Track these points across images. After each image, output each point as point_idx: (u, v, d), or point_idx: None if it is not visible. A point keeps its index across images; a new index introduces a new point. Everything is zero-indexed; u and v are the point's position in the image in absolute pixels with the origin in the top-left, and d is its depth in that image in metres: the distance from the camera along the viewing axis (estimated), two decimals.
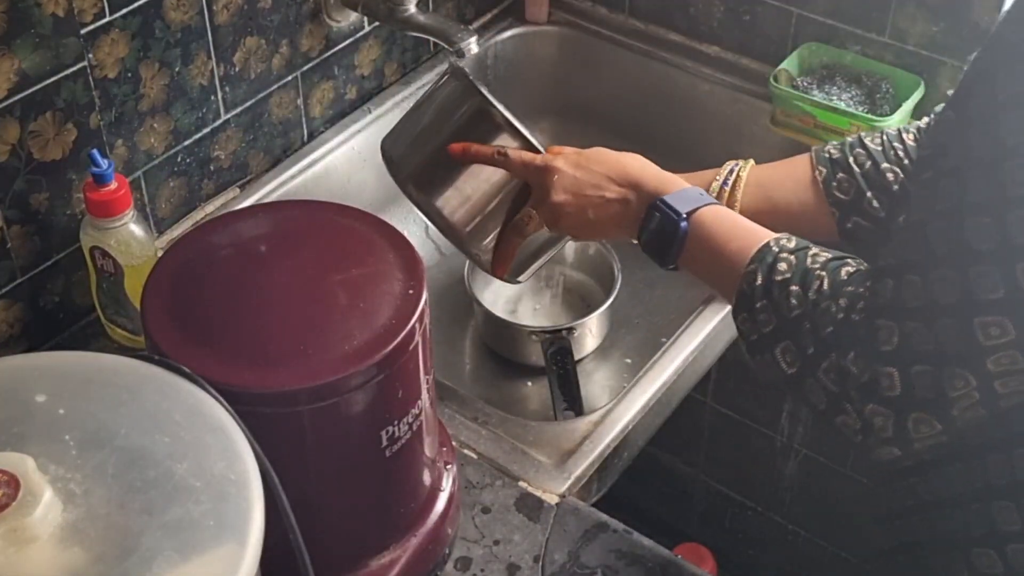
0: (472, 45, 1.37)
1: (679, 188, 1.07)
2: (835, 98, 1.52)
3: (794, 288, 0.94)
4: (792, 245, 0.98)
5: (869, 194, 1.15)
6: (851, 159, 1.16)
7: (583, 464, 1.16)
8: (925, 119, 1.18)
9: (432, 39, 1.48)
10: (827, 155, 1.18)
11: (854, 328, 0.89)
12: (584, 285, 1.54)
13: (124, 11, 1.20)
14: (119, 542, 0.68)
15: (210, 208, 1.41)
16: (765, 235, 1.00)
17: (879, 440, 0.90)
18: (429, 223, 1.21)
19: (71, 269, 1.25)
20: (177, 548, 0.68)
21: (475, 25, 1.72)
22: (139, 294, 0.93)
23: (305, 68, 1.46)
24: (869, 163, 1.15)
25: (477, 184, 1.16)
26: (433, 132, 1.18)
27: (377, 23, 1.52)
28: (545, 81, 1.76)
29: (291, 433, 0.88)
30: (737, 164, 1.20)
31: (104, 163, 1.15)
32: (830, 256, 0.96)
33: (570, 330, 1.43)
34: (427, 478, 1.02)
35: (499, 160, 1.14)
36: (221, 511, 0.70)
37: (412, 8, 1.42)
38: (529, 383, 1.48)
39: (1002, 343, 0.83)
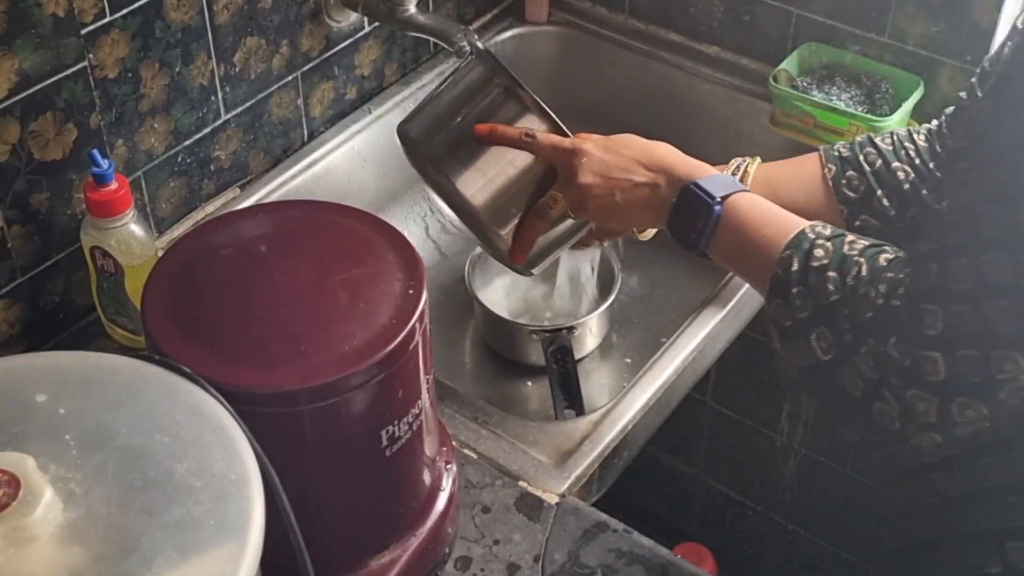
0: (474, 44, 1.37)
1: (711, 174, 1.07)
2: (835, 98, 1.52)
3: (831, 274, 0.93)
4: (828, 232, 0.97)
5: (879, 192, 1.15)
6: (861, 157, 1.17)
7: (583, 464, 1.16)
8: (935, 121, 1.19)
9: (432, 39, 1.48)
10: (837, 153, 1.18)
11: (895, 313, 0.88)
12: (584, 284, 1.54)
13: (124, 11, 1.20)
14: (119, 542, 0.68)
15: (210, 208, 1.41)
16: (800, 222, 1.00)
17: (920, 426, 0.89)
18: (447, 208, 1.18)
19: (71, 269, 1.25)
20: (177, 548, 0.68)
21: (475, 25, 1.72)
22: (139, 294, 0.93)
23: (305, 68, 1.46)
24: (880, 162, 1.16)
25: (500, 167, 1.14)
26: (456, 113, 1.16)
27: (377, 23, 1.52)
28: (545, 81, 1.76)
29: (291, 433, 0.88)
30: (744, 160, 1.20)
31: (104, 163, 1.15)
32: (867, 243, 0.95)
33: (570, 329, 1.43)
34: (427, 478, 1.02)
35: (526, 142, 1.13)
36: (221, 511, 0.70)
37: (412, 8, 1.42)
38: (529, 382, 1.48)
39: None
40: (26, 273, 1.22)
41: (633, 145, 1.11)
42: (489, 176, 1.14)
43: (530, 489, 1.13)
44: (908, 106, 1.49)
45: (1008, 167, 0.84)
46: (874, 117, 1.48)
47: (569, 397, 1.38)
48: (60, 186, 1.21)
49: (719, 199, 1.03)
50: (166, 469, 0.72)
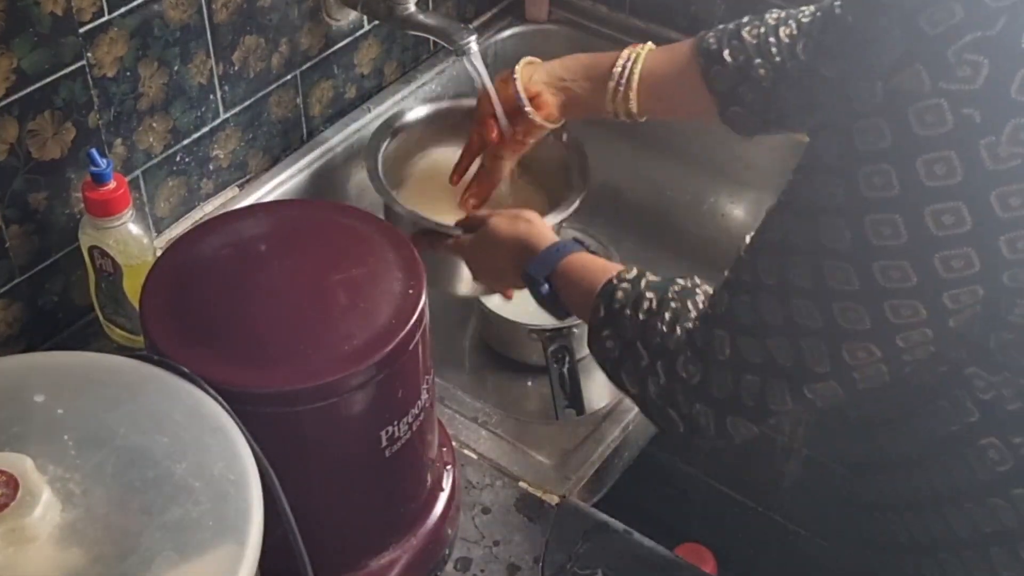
0: (472, 44, 1.37)
1: (543, 249, 1.16)
2: None
3: (628, 312, 1.00)
4: (631, 275, 1.04)
5: (742, 88, 1.20)
6: (727, 51, 1.21)
7: (583, 464, 1.16)
8: (808, 11, 1.20)
9: (432, 38, 1.48)
10: (706, 45, 1.23)
11: (688, 335, 0.95)
12: None
13: (123, 10, 1.20)
14: (118, 542, 0.68)
15: (209, 207, 1.41)
16: (612, 270, 1.07)
17: (703, 436, 0.97)
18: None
19: (70, 269, 1.25)
20: (176, 548, 0.68)
21: (475, 24, 1.72)
22: (138, 294, 0.93)
23: (304, 67, 1.46)
24: (742, 56, 1.20)
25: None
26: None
27: (377, 22, 1.52)
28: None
29: (290, 433, 0.88)
30: (632, 54, 1.28)
31: (103, 162, 1.15)
32: (660, 279, 1.02)
33: (571, 329, 1.42)
34: (427, 478, 1.02)
35: (435, 248, 1.32)
36: (220, 511, 0.70)
37: (412, 7, 1.41)
38: (529, 382, 1.48)
39: (821, 372, 0.88)
40: (24, 273, 1.21)
41: (494, 240, 1.22)
42: (453, 271, 1.37)
43: (530, 490, 1.13)
44: None
45: (784, 229, 0.87)
46: None
47: (570, 396, 1.38)
48: (58, 185, 1.21)
49: (543, 280, 1.13)
50: (165, 469, 0.71)
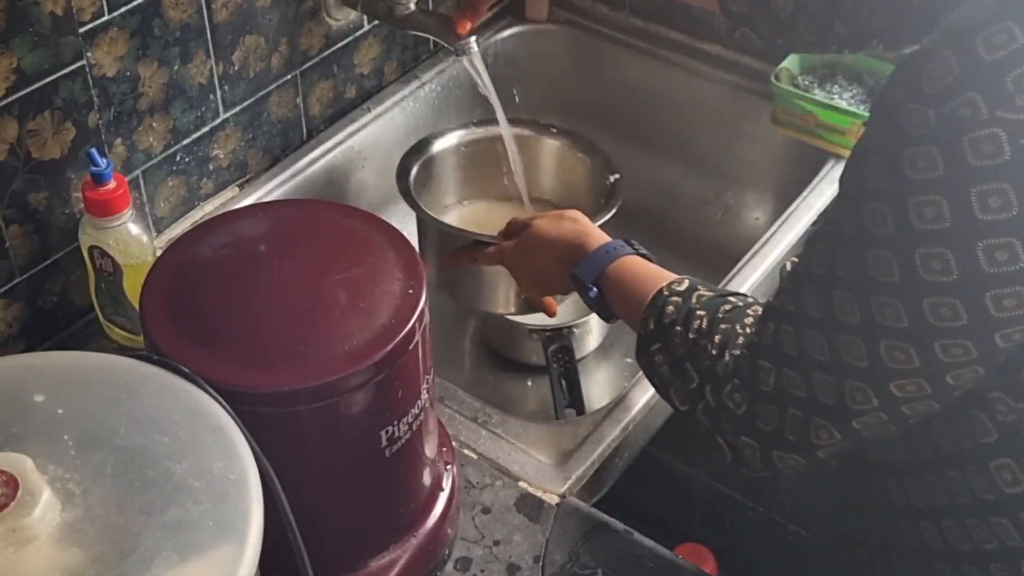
0: (472, 44, 1.37)
1: (591, 250, 1.14)
2: (836, 97, 1.52)
3: (678, 328, 0.98)
4: (682, 288, 1.02)
5: (757, 17, 1.19)
6: None
7: (583, 464, 1.16)
8: None
9: (432, 38, 1.48)
10: None
11: (735, 363, 0.93)
12: None
13: (123, 10, 1.20)
14: (118, 542, 0.68)
15: (209, 207, 1.41)
16: (663, 279, 1.05)
17: (748, 468, 0.95)
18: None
19: (70, 268, 1.25)
20: (176, 548, 0.68)
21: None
22: (138, 293, 0.93)
23: (304, 67, 1.46)
24: None
25: (491, 280, 1.38)
26: (430, 253, 1.41)
27: (376, 21, 1.52)
28: (545, 80, 1.76)
29: (290, 433, 0.88)
30: None
31: (103, 162, 1.15)
32: (712, 294, 1.00)
33: (571, 328, 1.42)
34: (427, 478, 1.01)
35: (475, 261, 1.32)
36: (220, 511, 0.70)
37: (412, 6, 1.41)
38: (529, 382, 1.48)
39: (867, 408, 0.86)
40: (24, 272, 1.21)
41: (541, 242, 1.20)
42: (492, 287, 1.38)
43: (530, 489, 1.13)
44: None
45: (831, 261, 0.85)
46: None
47: (570, 396, 1.38)
48: (58, 185, 1.21)
49: (591, 284, 1.12)
50: (165, 469, 0.71)
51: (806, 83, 1.54)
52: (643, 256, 1.13)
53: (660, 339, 1.00)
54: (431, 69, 1.64)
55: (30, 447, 0.70)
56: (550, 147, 1.51)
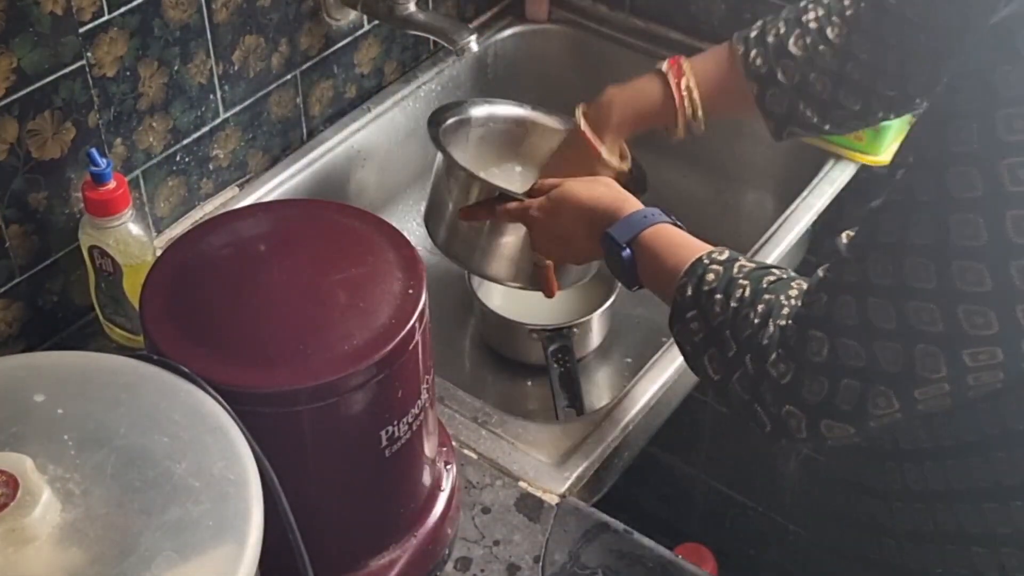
0: (472, 44, 1.37)
1: (628, 213, 1.12)
2: None
3: (718, 296, 0.97)
4: (723, 257, 1.01)
5: (800, 107, 1.20)
6: (779, 73, 1.20)
7: (583, 464, 1.16)
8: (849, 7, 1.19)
9: (432, 37, 1.48)
10: (755, 68, 1.22)
11: (781, 333, 0.92)
12: (585, 284, 1.54)
13: (123, 9, 1.20)
14: (118, 542, 0.68)
15: (209, 207, 1.41)
16: (700, 249, 1.04)
17: (792, 438, 0.93)
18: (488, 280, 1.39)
19: (70, 268, 1.25)
20: (176, 548, 0.68)
21: (475, 23, 1.72)
22: (138, 293, 0.93)
23: (304, 67, 1.46)
24: (798, 76, 1.20)
25: (509, 238, 1.33)
26: (444, 206, 1.36)
27: (377, 21, 1.52)
28: (545, 80, 1.76)
29: (290, 433, 0.88)
30: (680, 78, 1.27)
31: (103, 162, 1.15)
32: (755, 266, 0.99)
33: (571, 328, 1.42)
34: (427, 478, 1.01)
35: (496, 215, 1.28)
36: (220, 511, 0.70)
37: (412, 6, 1.41)
38: (529, 382, 1.48)
39: (935, 376, 0.85)
40: (24, 272, 1.21)
41: (572, 202, 1.18)
42: (500, 249, 1.34)
43: (530, 489, 1.13)
44: None
45: (903, 223, 0.84)
46: None
47: (570, 396, 1.38)
48: (58, 185, 1.21)
49: (625, 244, 1.09)
50: (165, 469, 0.71)
51: None
52: (678, 227, 1.11)
53: (697, 306, 0.99)
54: (431, 69, 1.64)
55: (30, 447, 0.70)
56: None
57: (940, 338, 0.83)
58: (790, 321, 0.92)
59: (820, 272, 0.93)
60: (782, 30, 1.21)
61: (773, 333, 0.92)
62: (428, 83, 1.62)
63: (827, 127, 1.22)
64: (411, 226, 1.65)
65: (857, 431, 0.90)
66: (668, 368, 1.26)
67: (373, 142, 1.56)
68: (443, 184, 1.36)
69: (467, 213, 1.31)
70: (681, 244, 1.06)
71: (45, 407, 0.74)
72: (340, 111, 1.54)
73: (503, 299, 1.52)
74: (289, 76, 1.44)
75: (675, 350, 1.28)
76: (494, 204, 1.27)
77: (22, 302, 1.22)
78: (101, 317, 1.26)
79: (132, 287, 1.20)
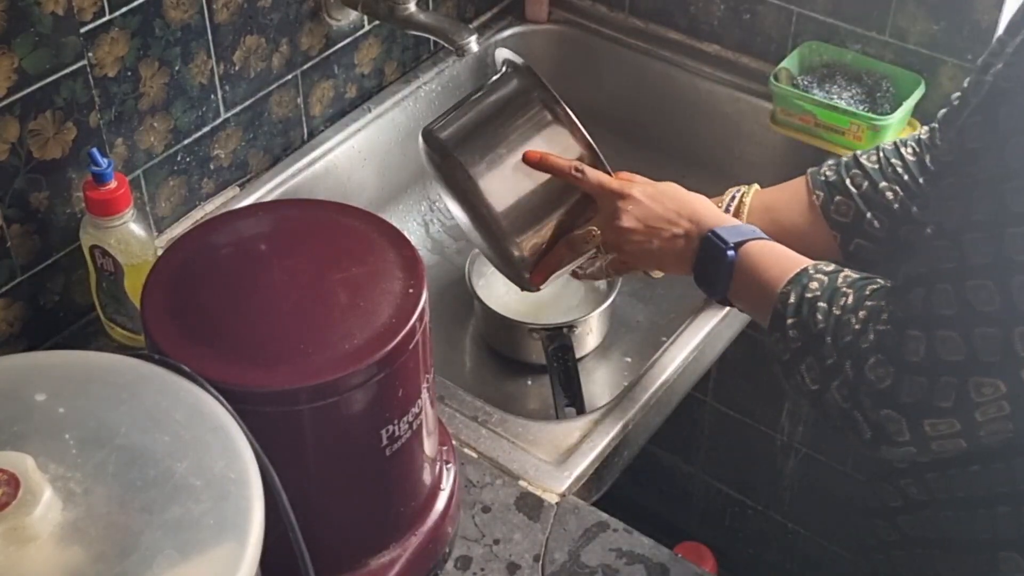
0: (472, 44, 1.37)
1: (735, 224, 1.10)
2: (835, 97, 1.52)
3: (822, 304, 0.96)
4: (829, 268, 1.00)
5: (869, 215, 1.16)
6: (848, 181, 1.17)
7: (583, 463, 1.16)
8: (924, 130, 1.18)
9: (432, 38, 1.48)
10: (823, 178, 1.19)
11: (880, 337, 0.91)
12: (585, 283, 1.54)
13: (124, 10, 1.20)
14: (119, 541, 0.68)
15: (210, 207, 1.41)
16: (807, 262, 1.02)
17: (893, 443, 0.92)
18: (462, 217, 1.21)
19: (71, 268, 1.25)
20: (177, 547, 0.68)
21: (475, 24, 1.72)
22: (139, 293, 0.93)
23: (305, 67, 1.46)
24: (866, 183, 1.16)
25: (532, 184, 1.17)
26: (493, 123, 1.18)
27: (377, 22, 1.52)
28: (545, 80, 1.76)
29: (291, 432, 0.88)
30: (740, 190, 1.22)
31: (104, 162, 1.15)
32: (859, 276, 0.98)
33: (571, 327, 1.42)
34: (427, 477, 1.02)
35: (575, 176, 1.15)
36: (221, 510, 0.70)
37: (412, 7, 1.42)
38: (529, 381, 1.48)
39: None
40: (26, 272, 1.21)
41: (676, 196, 1.14)
42: (518, 189, 1.17)
43: (530, 488, 1.13)
44: (909, 105, 1.49)
45: (998, 195, 0.85)
46: (875, 116, 1.48)
47: (570, 395, 1.38)
48: (59, 185, 1.21)
49: (732, 245, 1.06)
50: (166, 468, 0.72)
51: (805, 83, 1.54)
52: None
53: (799, 314, 0.98)
54: (431, 69, 1.64)
55: (31, 446, 0.71)
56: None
57: None
58: (889, 325, 0.91)
59: (914, 266, 0.92)
60: (853, 154, 1.19)
61: (872, 337, 0.92)
62: (428, 83, 1.62)
63: (894, 245, 1.17)
64: (411, 226, 1.65)
65: (963, 426, 0.89)
66: (668, 367, 1.26)
67: (373, 142, 1.56)
68: (513, 112, 1.18)
69: (541, 158, 1.15)
70: (788, 257, 1.05)
71: (46, 406, 0.75)
72: (340, 111, 1.54)
73: (503, 298, 1.52)
74: (290, 76, 1.44)
75: (675, 350, 1.28)
76: (560, 248, 1.17)
77: (23, 301, 1.23)
78: (102, 316, 1.26)
79: (133, 286, 1.20)
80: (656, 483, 2.06)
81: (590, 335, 1.48)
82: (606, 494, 1.23)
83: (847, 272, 0.99)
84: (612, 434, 1.19)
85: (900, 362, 0.89)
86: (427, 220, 1.67)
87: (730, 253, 1.06)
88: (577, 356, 1.43)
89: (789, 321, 0.99)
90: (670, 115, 1.69)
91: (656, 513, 2.03)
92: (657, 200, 1.13)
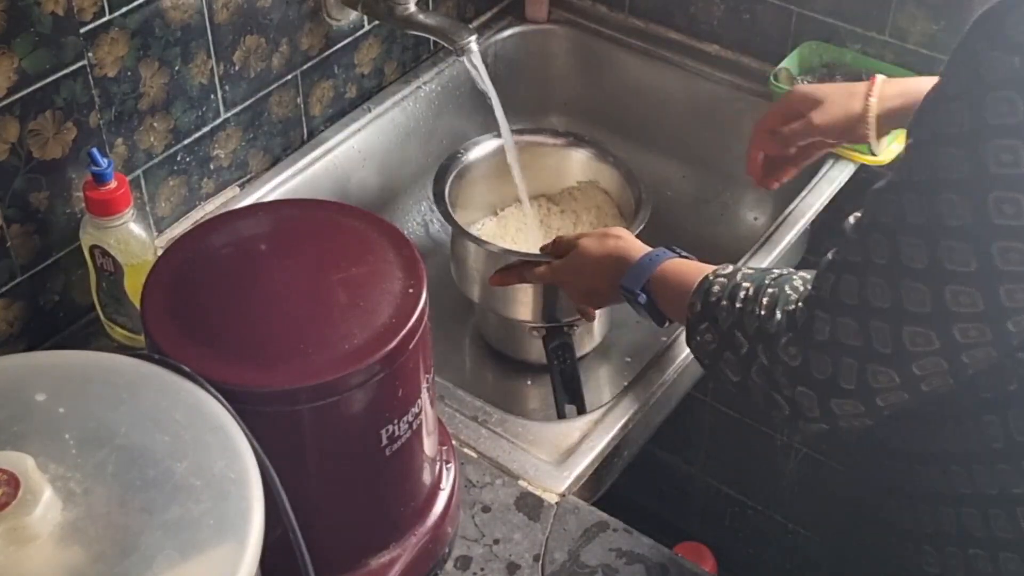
0: (472, 44, 1.37)
1: (635, 260, 1.19)
2: None
3: (724, 303, 1.02)
4: (727, 271, 1.07)
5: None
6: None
7: (583, 463, 1.16)
8: None
9: (432, 38, 1.48)
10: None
11: (788, 317, 0.96)
12: None
13: (124, 10, 1.20)
14: (119, 541, 0.68)
15: (210, 207, 1.41)
16: (707, 269, 1.09)
17: (807, 419, 0.97)
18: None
19: (71, 268, 1.25)
20: (177, 547, 0.68)
21: (475, 24, 1.72)
22: (139, 293, 0.93)
23: (305, 67, 1.46)
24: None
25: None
26: (473, 269, 1.44)
27: (377, 22, 1.52)
28: (545, 80, 1.76)
29: (291, 432, 0.88)
30: (869, 100, 1.26)
31: (104, 162, 1.15)
32: (755, 270, 1.04)
33: (571, 326, 1.43)
34: (427, 477, 1.02)
35: (524, 280, 1.36)
36: (221, 510, 0.70)
37: (412, 7, 1.42)
38: (529, 381, 1.48)
39: (927, 351, 0.87)
40: (25, 272, 1.21)
41: (587, 260, 1.25)
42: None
43: (530, 488, 1.13)
44: None
45: (899, 204, 0.87)
46: None
47: (570, 395, 1.38)
48: (59, 185, 1.21)
49: (639, 292, 1.16)
50: (166, 468, 0.72)
51: (805, 83, 1.54)
52: (684, 258, 1.17)
53: (707, 318, 1.04)
54: (431, 69, 1.64)
55: (31, 446, 0.71)
56: (574, 157, 1.54)
57: (929, 318, 0.86)
58: (800, 304, 0.96)
59: (829, 255, 0.95)
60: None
61: (781, 320, 0.96)
62: (428, 83, 1.62)
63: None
64: (411, 226, 1.65)
65: (866, 409, 0.93)
66: (667, 367, 1.26)
67: (373, 142, 1.56)
68: (464, 253, 1.44)
69: (498, 281, 1.38)
70: (688, 271, 1.12)
71: (46, 406, 0.75)
72: (340, 111, 1.55)
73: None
74: (290, 76, 1.44)
75: (675, 349, 1.28)
76: (521, 268, 1.35)
77: (23, 301, 1.23)
78: (102, 316, 1.26)
79: (133, 286, 1.20)
80: (656, 483, 2.06)
81: (590, 334, 1.48)
82: (606, 494, 1.23)
83: (745, 270, 1.05)
84: (612, 434, 1.19)
85: (808, 341, 0.93)
86: (427, 220, 1.67)
87: (641, 299, 1.16)
88: (577, 355, 1.43)
89: (701, 327, 1.05)
90: (670, 115, 1.70)
91: (656, 513, 2.03)
92: (576, 271, 1.27)
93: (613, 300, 1.25)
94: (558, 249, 1.32)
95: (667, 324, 1.19)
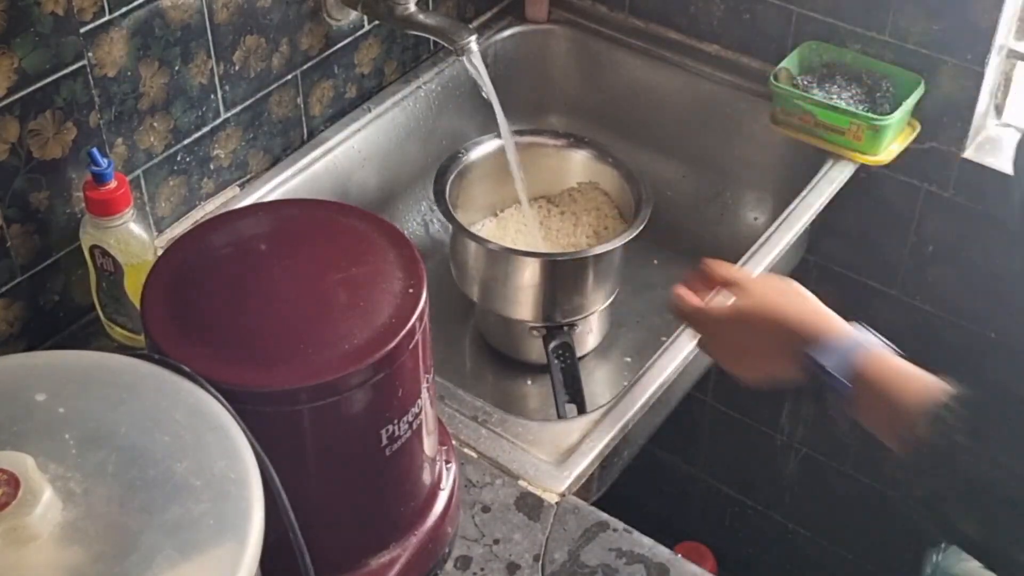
0: (472, 44, 1.37)
1: (835, 337, 1.01)
2: (835, 97, 1.52)
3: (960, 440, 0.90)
4: (957, 392, 0.93)
5: None
6: None
7: (583, 463, 1.16)
8: None
9: (432, 38, 1.48)
10: None
11: None
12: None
13: (124, 9, 1.20)
14: (119, 541, 0.68)
15: (210, 207, 1.41)
16: (929, 379, 0.95)
17: None
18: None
19: (71, 268, 1.25)
20: (177, 547, 0.68)
21: (475, 24, 1.72)
22: (139, 293, 0.93)
23: (305, 67, 1.46)
24: None
25: None
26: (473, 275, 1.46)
27: (377, 22, 1.52)
28: (545, 80, 1.76)
29: (291, 432, 0.88)
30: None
31: (104, 162, 1.15)
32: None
33: (571, 326, 1.43)
34: (427, 477, 1.02)
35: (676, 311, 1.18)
36: (221, 510, 0.70)
37: (412, 7, 1.42)
38: (529, 381, 1.48)
39: None
40: (25, 272, 1.21)
41: (768, 318, 1.06)
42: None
43: (530, 488, 1.13)
44: (909, 105, 1.49)
45: None
46: (875, 116, 1.48)
47: (570, 394, 1.38)
48: (59, 185, 1.21)
49: (848, 382, 0.98)
50: (166, 468, 0.72)
51: (805, 83, 1.54)
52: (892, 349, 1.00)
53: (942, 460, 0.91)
54: (431, 69, 1.64)
55: (31, 446, 0.71)
56: (574, 158, 1.54)
57: None
58: None
59: None
60: None
61: None
62: (428, 83, 1.62)
63: None
64: (411, 226, 1.65)
65: None
66: (668, 367, 1.26)
67: (373, 142, 1.56)
68: (466, 252, 1.43)
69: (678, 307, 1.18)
70: (906, 375, 0.97)
71: (46, 406, 0.75)
72: (340, 111, 1.55)
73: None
74: (290, 76, 1.44)
75: (675, 349, 1.28)
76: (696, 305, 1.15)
77: (23, 301, 1.23)
78: (102, 316, 1.26)
79: (133, 286, 1.20)
80: (656, 483, 2.06)
81: (590, 334, 1.48)
82: (606, 494, 1.23)
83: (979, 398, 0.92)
84: (612, 434, 1.19)
85: None
86: (427, 220, 1.67)
87: (848, 389, 0.98)
88: (578, 355, 1.43)
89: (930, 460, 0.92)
90: (670, 115, 1.70)
91: (656, 513, 2.03)
92: (741, 323, 1.08)
93: (763, 371, 1.07)
94: (713, 280, 1.13)
95: (847, 424, 1.00)
